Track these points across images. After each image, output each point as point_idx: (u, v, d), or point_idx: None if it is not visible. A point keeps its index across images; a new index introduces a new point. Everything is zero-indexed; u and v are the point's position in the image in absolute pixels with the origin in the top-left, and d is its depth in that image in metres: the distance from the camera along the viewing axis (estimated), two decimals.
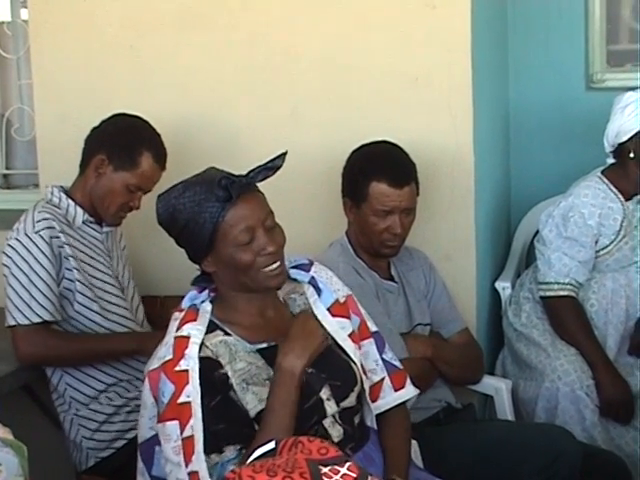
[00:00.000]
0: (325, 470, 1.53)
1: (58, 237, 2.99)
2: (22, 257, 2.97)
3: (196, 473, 2.16)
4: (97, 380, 3.07)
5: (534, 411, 3.36)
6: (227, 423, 2.22)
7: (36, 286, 2.95)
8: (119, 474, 2.92)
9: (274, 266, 2.33)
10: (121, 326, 3.11)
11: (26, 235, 2.97)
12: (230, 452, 2.20)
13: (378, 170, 2.97)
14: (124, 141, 3.07)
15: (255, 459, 1.65)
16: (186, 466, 2.17)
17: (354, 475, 1.52)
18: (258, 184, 2.37)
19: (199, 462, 2.16)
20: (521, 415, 3.40)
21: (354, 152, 3.09)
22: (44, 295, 2.95)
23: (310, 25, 3.39)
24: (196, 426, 2.18)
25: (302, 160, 3.39)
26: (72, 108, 3.61)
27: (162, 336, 3.02)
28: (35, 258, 2.96)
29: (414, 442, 2.62)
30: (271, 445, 1.66)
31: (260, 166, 2.34)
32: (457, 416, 3.12)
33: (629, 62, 4.08)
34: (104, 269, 3.14)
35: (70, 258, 3.01)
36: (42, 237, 2.96)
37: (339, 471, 1.53)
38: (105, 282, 3.12)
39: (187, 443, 2.18)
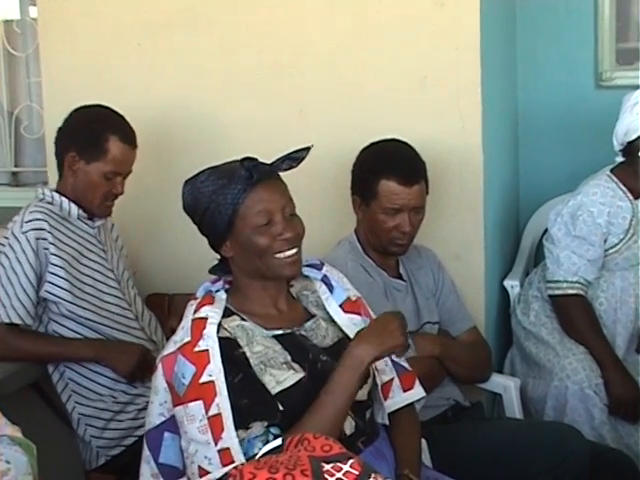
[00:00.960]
0: (327, 467, 1.53)
1: (45, 238, 3.02)
2: (6, 255, 3.02)
3: (227, 449, 2.17)
4: (102, 375, 3.09)
5: (543, 409, 3.36)
6: (251, 399, 2.22)
7: (12, 286, 3.00)
8: (127, 470, 2.93)
9: (289, 253, 2.34)
10: (114, 322, 3.13)
11: (13, 234, 3.03)
12: (257, 429, 2.21)
13: (388, 168, 2.97)
14: (87, 132, 3.09)
15: (262, 456, 1.64)
16: (215, 444, 2.17)
17: (356, 473, 1.52)
18: None
19: (230, 439, 2.17)
20: (530, 413, 3.40)
21: (364, 150, 3.09)
22: (17, 297, 3.00)
23: (318, 24, 3.39)
24: (222, 404, 2.18)
25: (310, 159, 3.33)
26: None
27: (121, 347, 3.08)
28: (17, 258, 3.01)
29: (422, 440, 2.61)
30: (278, 442, 1.66)
31: (284, 155, 2.37)
32: (465, 414, 3.12)
33: (639, 60, 4.07)
34: (98, 265, 3.16)
35: (56, 257, 3.02)
36: (27, 238, 3.00)
37: (342, 468, 1.52)
38: (97, 280, 3.13)
39: (214, 421, 2.18)
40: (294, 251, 2.35)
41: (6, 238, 3.04)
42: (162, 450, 2.34)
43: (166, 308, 3.50)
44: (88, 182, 3.10)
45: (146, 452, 2.38)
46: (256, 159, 2.37)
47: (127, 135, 3.12)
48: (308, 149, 2.39)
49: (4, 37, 4.36)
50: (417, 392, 2.56)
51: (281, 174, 2.40)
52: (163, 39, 3.55)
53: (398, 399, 2.51)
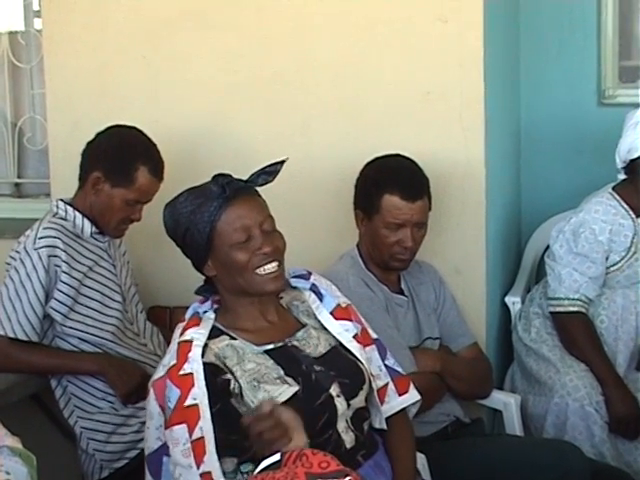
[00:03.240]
0: None
1: (58, 256, 2.99)
2: (16, 269, 3.00)
3: (209, 474, 2.17)
4: (101, 391, 3.08)
5: (543, 426, 3.35)
6: (225, 432, 2.22)
7: (20, 301, 2.98)
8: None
9: (269, 267, 2.33)
10: (117, 337, 3.11)
11: (25, 249, 3.00)
12: (228, 465, 2.21)
13: (391, 183, 2.97)
14: (118, 158, 3.06)
15: (260, 471, 1.64)
16: (197, 468, 2.17)
17: None
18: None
19: (212, 462, 2.17)
20: (530, 430, 3.39)
21: (368, 164, 3.09)
22: (24, 313, 2.98)
23: (323, 38, 3.40)
24: (205, 427, 2.19)
25: (313, 172, 3.39)
26: (84, 117, 3.61)
27: (124, 365, 3.06)
28: (27, 274, 2.98)
29: (422, 456, 2.61)
30: (276, 457, 1.66)
31: (259, 170, 2.37)
32: (466, 431, 3.11)
33: None
34: (107, 280, 3.15)
35: (66, 275, 3.00)
36: (39, 255, 2.97)
37: None
38: (104, 294, 3.12)
39: (197, 445, 2.18)
40: (274, 264, 2.34)
41: (17, 252, 3.02)
42: (162, 474, 2.34)
43: (167, 321, 3.50)
44: (108, 205, 3.07)
45: (148, 476, 2.38)
46: (230, 175, 2.36)
47: (156, 168, 3.09)
48: (283, 162, 2.37)
49: (8, 48, 4.36)
50: (412, 395, 2.56)
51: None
52: (167, 50, 3.55)
53: (394, 403, 2.52)
